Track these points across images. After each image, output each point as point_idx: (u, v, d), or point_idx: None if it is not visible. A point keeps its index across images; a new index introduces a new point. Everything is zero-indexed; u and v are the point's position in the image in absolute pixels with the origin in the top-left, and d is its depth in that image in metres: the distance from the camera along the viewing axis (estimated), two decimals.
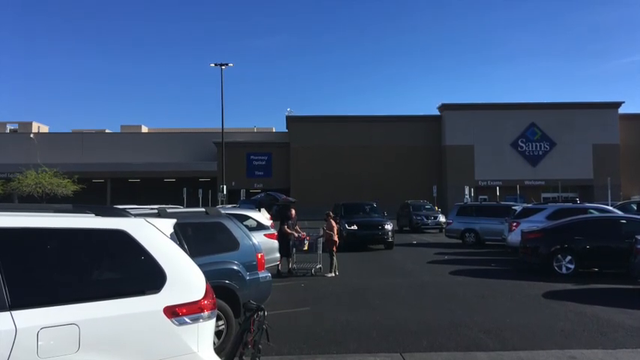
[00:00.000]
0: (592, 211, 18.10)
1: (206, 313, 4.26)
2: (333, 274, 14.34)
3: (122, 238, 4.12)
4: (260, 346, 5.69)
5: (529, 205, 22.88)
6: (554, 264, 14.02)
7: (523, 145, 54.82)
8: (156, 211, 8.03)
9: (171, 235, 4.51)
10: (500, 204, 26.73)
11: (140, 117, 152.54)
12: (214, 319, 4.52)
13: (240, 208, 19.22)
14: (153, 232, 4.28)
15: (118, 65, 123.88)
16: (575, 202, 23.43)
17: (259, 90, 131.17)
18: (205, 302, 4.27)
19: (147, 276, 4.16)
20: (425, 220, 31.85)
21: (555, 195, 49.42)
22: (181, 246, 5.47)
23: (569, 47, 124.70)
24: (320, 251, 15.10)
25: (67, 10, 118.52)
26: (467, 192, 42.83)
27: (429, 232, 31.08)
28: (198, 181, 54.64)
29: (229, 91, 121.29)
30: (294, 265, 15.03)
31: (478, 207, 25.11)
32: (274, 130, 69.16)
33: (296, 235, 15.01)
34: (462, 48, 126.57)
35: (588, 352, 7.20)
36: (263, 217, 15.10)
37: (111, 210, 4.58)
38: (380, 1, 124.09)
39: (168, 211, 8.53)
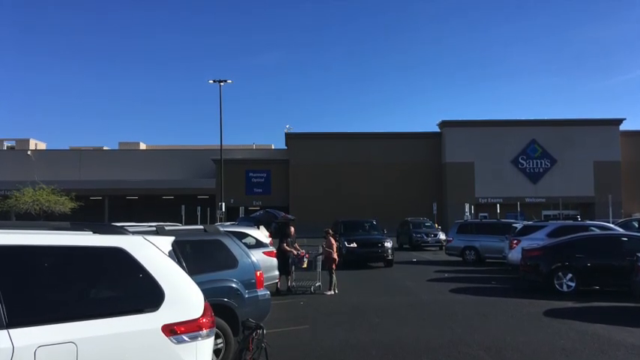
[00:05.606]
0: (593, 228, 18.05)
1: (204, 331, 4.23)
2: (333, 292, 14.26)
3: (120, 255, 4.11)
4: None
5: (530, 222, 22.81)
6: (555, 282, 13.96)
7: (523, 162, 54.91)
8: (154, 228, 8.02)
9: (169, 252, 4.49)
10: (501, 221, 26.66)
11: (138, 134, 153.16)
12: (213, 337, 4.49)
13: (238, 225, 19.15)
14: (151, 250, 4.27)
15: (116, 82, 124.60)
16: (576, 219, 23.44)
17: (258, 107, 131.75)
18: (204, 320, 4.25)
19: (145, 294, 4.14)
20: (425, 237, 31.74)
21: (556, 212, 49.25)
22: (180, 264, 5.45)
23: (570, 64, 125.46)
24: (319, 269, 15.05)
25: (65, 27, 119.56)
26: (467, 209, 42.77)
27: (429, 250, 30.99)
28: (196, 199, 54.55)
29: (228, 107, 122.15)
30: (294, 283, 14.96)
31: (478, 224, 25.02)
32: (273, 147, 69.29)
33: (295, 252, 14.95)
34: (463, 65, 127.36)
35: None
36: (262, 234, 15.05)
37: (109, 227, 4.56)
38: (379, 18, 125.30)
39: (167, 228, 8.52)
